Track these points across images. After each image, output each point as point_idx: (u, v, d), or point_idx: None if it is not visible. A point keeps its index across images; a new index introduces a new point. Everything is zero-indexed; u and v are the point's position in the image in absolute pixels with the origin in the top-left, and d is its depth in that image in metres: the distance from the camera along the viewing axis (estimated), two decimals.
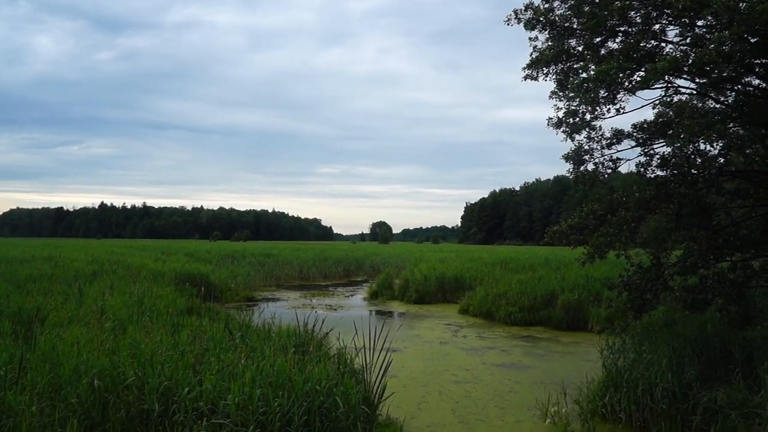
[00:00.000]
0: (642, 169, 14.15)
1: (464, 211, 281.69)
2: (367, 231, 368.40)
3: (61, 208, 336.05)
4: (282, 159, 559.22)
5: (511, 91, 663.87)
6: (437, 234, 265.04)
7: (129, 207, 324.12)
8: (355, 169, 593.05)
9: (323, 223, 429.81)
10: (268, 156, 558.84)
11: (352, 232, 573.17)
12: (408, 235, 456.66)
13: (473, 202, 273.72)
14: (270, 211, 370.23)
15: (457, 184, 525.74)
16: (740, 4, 11.95)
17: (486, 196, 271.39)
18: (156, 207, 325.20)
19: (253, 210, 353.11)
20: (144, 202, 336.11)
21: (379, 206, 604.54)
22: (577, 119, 13.81)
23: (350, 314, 27.46)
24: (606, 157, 14.34)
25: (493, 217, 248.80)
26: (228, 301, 31.90)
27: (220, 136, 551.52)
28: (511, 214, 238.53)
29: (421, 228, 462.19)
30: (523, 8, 14.80)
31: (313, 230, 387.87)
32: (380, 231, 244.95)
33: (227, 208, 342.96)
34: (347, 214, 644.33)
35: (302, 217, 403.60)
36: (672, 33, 13.59)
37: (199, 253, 56.80)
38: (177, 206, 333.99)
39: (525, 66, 14.69)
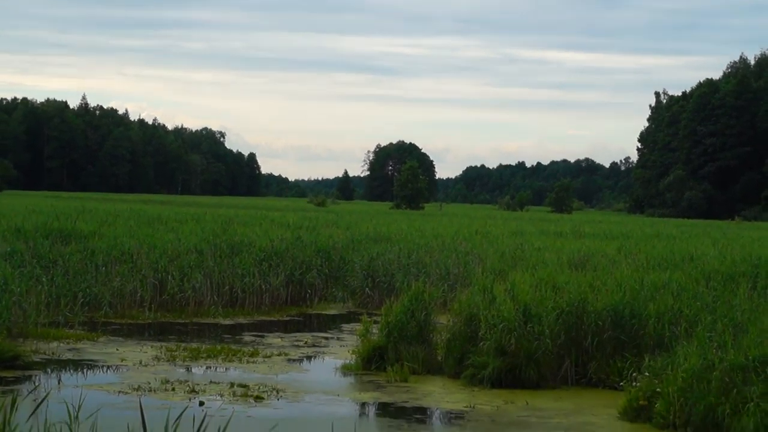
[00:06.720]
0: None
1: (650, 121, 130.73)
2: (357, 170, 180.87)
3: None
4: None
5: None
6: (564, 185, 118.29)
7: None
8: None
9: (230, 142, 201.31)
10: None
11: (315, 173, 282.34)
12: (481, 184, 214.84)
13: (677, 95, 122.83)
14: (76, 106, 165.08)
15: (628, 41, 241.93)
16: None
17: (717, 76, 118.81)
18: None
19: (28, 101, 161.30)
20: None
21: (397, 98, 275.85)
22: None
23: (304, 413, 11.88)
24: None
25: (743, 139, 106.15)
26: None
27: None
28: None
29: (519, 165, 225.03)
30: None
31: (201, 163, 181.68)
32: (401, 173, 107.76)
33: None
34: (303, 120, 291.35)
35: (171, 127, 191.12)
36: None
37: None
38: None
39: None
